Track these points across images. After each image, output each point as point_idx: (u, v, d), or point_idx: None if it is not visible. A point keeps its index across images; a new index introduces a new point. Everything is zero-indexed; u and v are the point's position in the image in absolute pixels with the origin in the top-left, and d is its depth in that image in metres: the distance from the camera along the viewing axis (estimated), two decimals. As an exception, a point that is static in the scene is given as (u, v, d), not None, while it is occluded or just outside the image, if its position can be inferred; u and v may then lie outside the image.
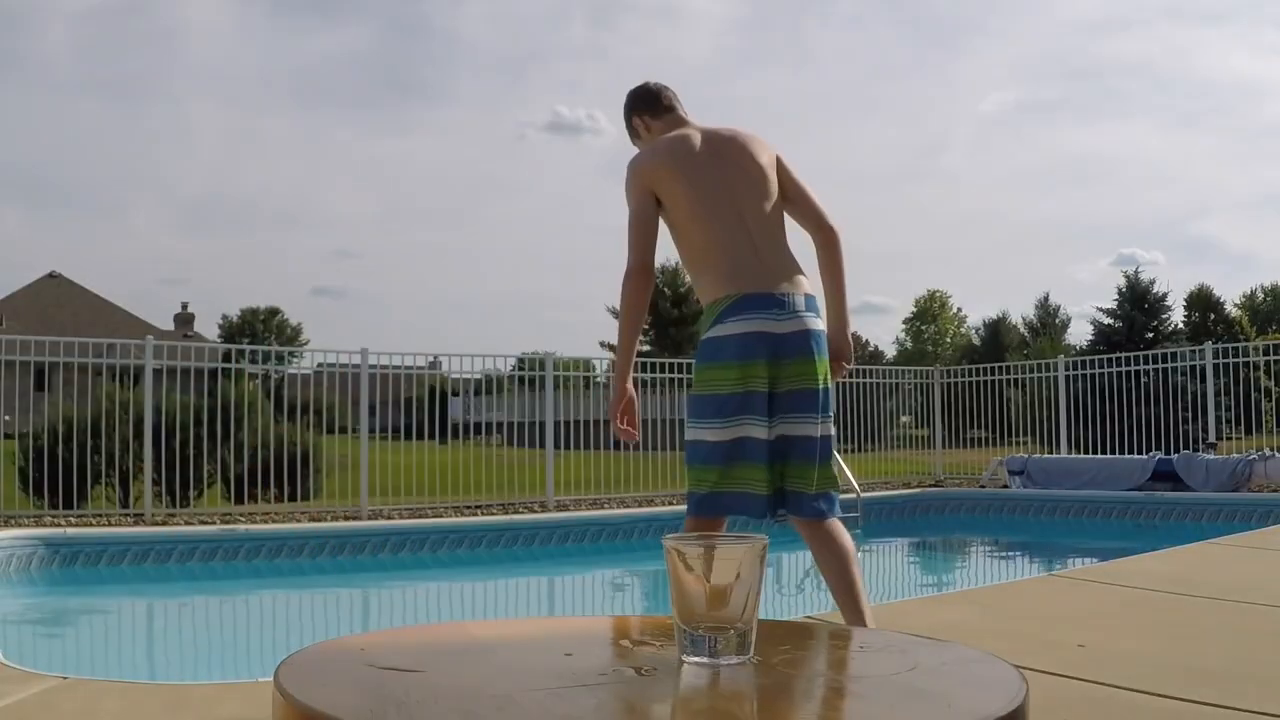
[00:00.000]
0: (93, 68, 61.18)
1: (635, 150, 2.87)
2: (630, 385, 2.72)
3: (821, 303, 2.69)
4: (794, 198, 2.76)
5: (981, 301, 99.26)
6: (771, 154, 2.76)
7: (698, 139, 2.71)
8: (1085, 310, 76.25)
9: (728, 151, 2.68)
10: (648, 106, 2.87)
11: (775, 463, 2.54)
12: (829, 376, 2.60)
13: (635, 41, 68.07)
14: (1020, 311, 54.82)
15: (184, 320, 40.90)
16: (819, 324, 2.62)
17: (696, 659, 1.05)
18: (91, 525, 7.22)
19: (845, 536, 2.60)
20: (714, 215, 2.60)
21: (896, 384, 13.09)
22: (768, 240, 2.63)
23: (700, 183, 2.61)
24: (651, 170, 2.64)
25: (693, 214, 2.60)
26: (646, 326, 42.80)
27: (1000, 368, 12.40)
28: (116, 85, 63.10)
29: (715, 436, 2.52)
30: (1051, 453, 11.39)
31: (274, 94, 67.05)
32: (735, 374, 2.49)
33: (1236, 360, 10.67)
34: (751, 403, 2.49)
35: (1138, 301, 28.52)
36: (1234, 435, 13.06)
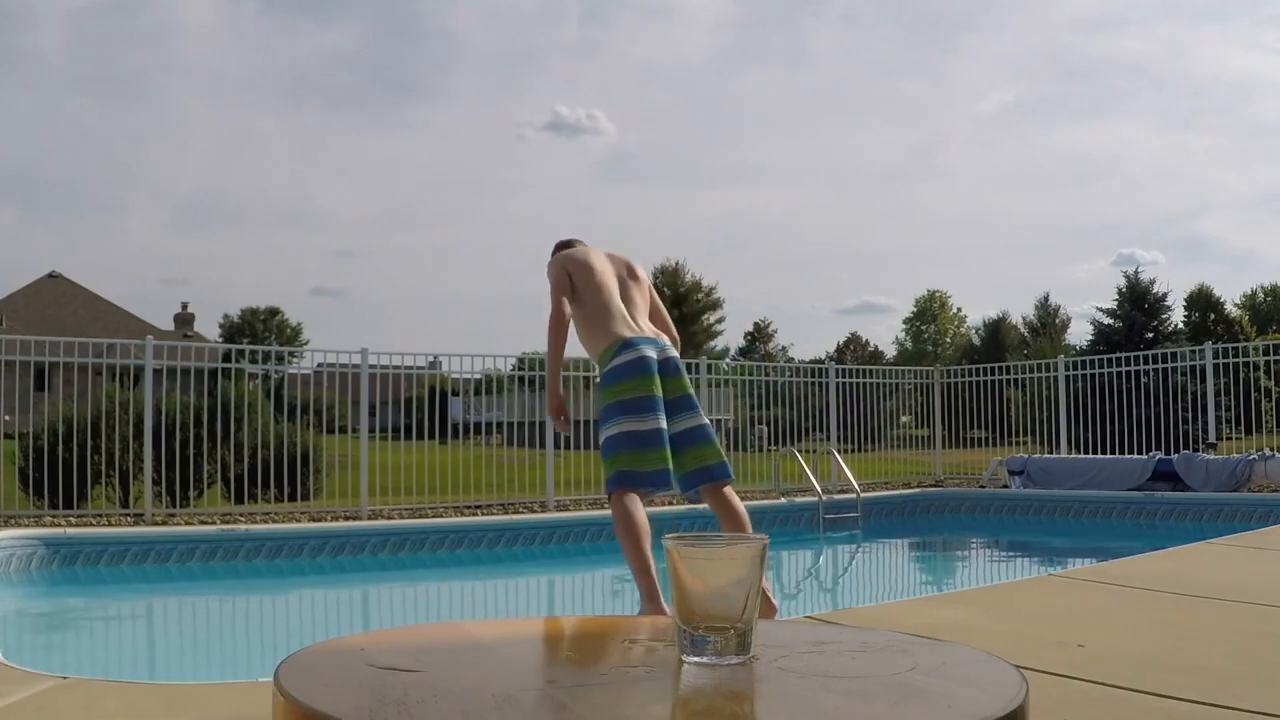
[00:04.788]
0: (90, 67, 61.09)
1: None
2: (560, 393, 3.83)
3: None
4: (654, 312, 3.92)
5: (981, 301, 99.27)
6: (644, 273, 4.01)
7: (599, 251, 3.96)
8: (1085, 310, 76.25)
9: (617, 261, 3.93)
10: (565, 245, 4.12)
11: (682, 449, 3.57)
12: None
13: (631, 40, 68.04)
14: (1020, 311, 54.92)
15: (184, 320, 40.83)
16: (677, 354, 3.77)
17: (696, 659, 1.05)
18: (91, 525, 7.22)
19: (740, 502, 3.67)
20: (607, 294, 3.75)
21: (896, 384, 13.09)
22: (638, 314, 3.80)
23: (599, 273, 3.80)
24: (569, 261, 3.85)
25: (594, 291, 3.74)
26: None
27: (1000, 368, 12.40)
28: (114, 84, 63.01)
29: (632, 427, 3.48)
30: (1051, 453, 11.40)
31: (272, 93, 67.00)
32: (640, 384, 3.52)
33: (1236, 360, 10.68)
34: (655, 403, 3.52)
35: (1138, 301, 28.48)
36: (1234, 435, 13.06)
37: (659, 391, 3.55)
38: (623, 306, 3.77)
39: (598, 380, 3.68)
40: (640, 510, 3.47)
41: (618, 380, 3.54)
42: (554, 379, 3.81)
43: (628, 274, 3.91)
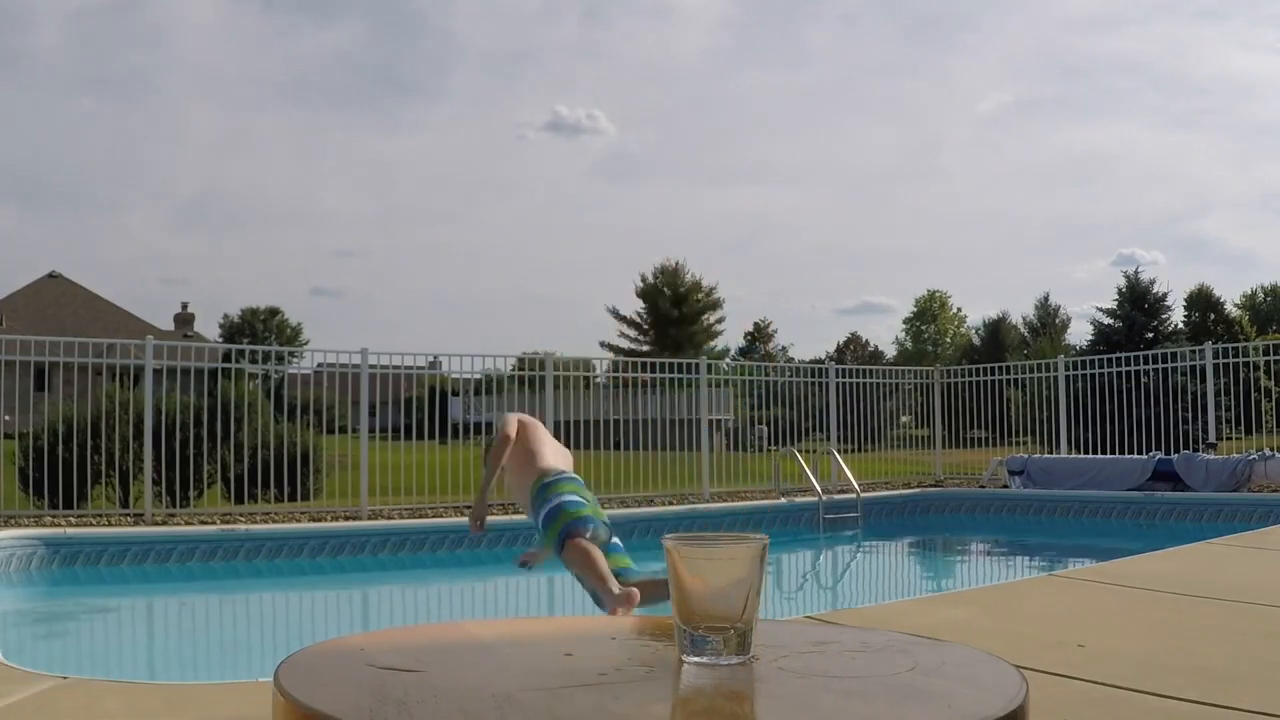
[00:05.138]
0: (90, 66, 60.85)
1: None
2: (485, 506, 4.48)
3: None
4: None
5: (981, 301, 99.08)
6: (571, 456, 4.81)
7: (536, 420, 4.76)
8: (1085, 310, 76.04)
9: (546, 431, 4.72)
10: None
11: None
12: None
13: (630, 40, 67.82)
14: (1020, 311, 54.82)
15: (184, 320, 40.80)
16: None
17: (696, 659, 1.05)
18: (91, 525, 7.22)
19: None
20: (549, 447, 4.54)
21: (896, 384, 13.09)
22: (565, 463, 4.54)
23: (540, 429, 4.62)
24: (518, 416, 4.60)
25: (533, 441, 4.50)
26: (646, 327, 42.98)
27: (1000, 368, 12.40)
28: (114, 84, 62.74)
29: (563, 499, 4.17)
30: (1051, 453, 11.40)
31: (271, 93, 66.76)
32: (569, 486, 4.27)
33: (1236, 360, 10.68)
34: (582, 491, 4.29)
35: (1138, 301, 28.47)
36: (1234, 435, 13.06)
37: (590, 499, 4.27)
38: (554, 459, 4.53)
39: (532, 503, 4.31)
40: (593, 544, 4.02)
41: (549, 486, 4.25)
42: (485, 489, 4.47)
43: (566, 451, 4.72)
